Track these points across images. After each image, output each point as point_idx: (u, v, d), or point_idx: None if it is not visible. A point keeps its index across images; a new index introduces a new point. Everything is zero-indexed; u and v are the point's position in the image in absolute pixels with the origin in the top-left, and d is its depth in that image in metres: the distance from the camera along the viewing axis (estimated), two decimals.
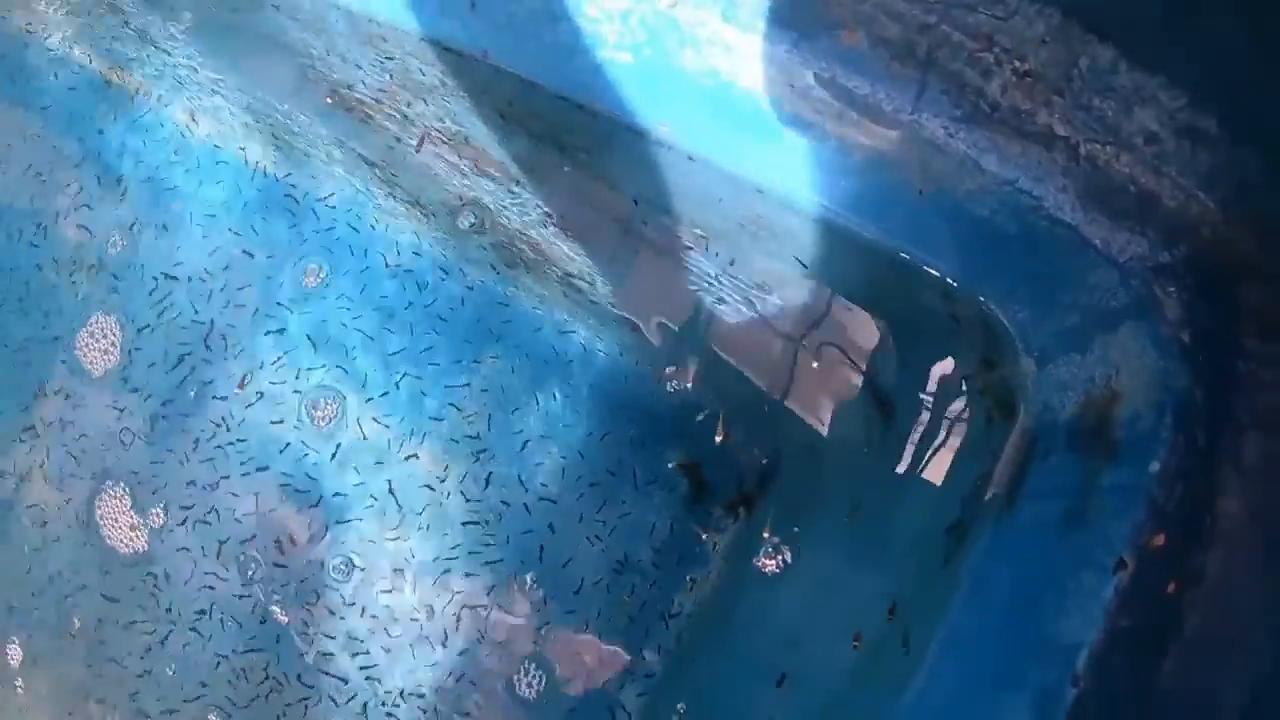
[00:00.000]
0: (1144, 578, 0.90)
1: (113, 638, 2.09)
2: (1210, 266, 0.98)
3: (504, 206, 1.81)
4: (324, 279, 2.02)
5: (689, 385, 1.88)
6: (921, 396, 1.49)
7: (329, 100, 1.83)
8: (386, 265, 2.00)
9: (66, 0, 2.13)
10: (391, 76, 1.60)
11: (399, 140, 1.82)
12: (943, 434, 1.43)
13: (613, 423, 1.93)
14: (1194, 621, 0.88)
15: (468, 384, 1.97)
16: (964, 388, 1.36)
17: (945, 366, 1.40)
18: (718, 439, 1.71)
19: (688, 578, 1.91)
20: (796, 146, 1.18)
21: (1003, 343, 1.20)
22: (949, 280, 1.19)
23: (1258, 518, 0.90)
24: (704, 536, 1.90)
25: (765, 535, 1.80)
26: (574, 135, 1.44)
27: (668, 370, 1.89)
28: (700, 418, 1.88)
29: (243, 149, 2.08)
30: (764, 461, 1.85)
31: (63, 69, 2.22)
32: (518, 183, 1.70)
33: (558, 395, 1.94)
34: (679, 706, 1.83)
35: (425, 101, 1.63)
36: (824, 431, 1.75)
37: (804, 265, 1.43)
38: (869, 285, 1.41)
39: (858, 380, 1.68)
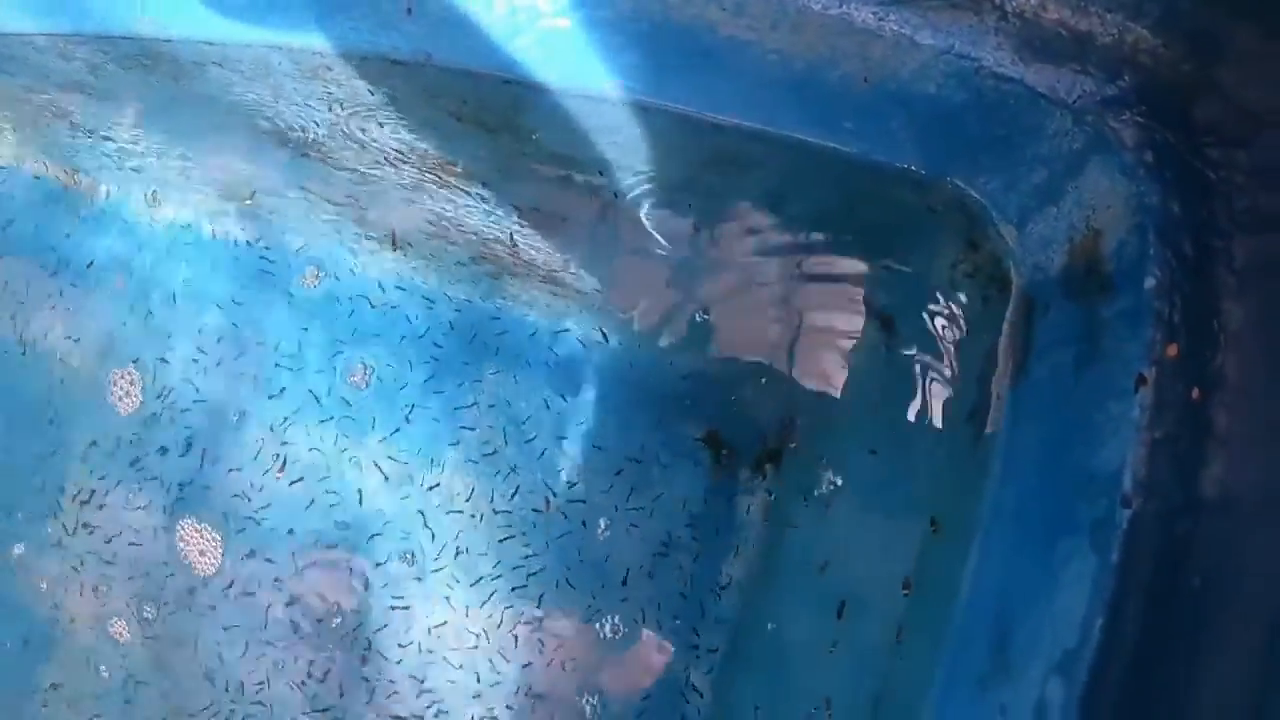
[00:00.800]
0: (1166, 389, 0.91)
1: None
2: (1158, 89, 0.99)
3: (475, 215, 1.83)
4: (315, 332, 2.03)
5: (693, 357, 1.89)
6: (917, 299, 1.50)
7: (286, 149, 1.84)
8: (373, 306, 2.01)
9: (8, 117, 2.14)
10: (342, 106, 1.62)
11: (362, 172, 1.83)
12: (945, 327, 1.44)
13: (625, 410, 1.94)
14: (1223, 422, 0.89)
15: (475, 403, 1.97)
16: (955, 275, 1.37)
17: (933, 261, 1.42)
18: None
19: (731, 545, 1.91)
20: (740, 70, 1.19)
21: (981, 219, 1.21)
22: (916, 170, 1.21)
23: (1263, 315, 0.91)
24: (737, 501, 1.90)
25: (800, 481, 1.80)
26: (528, 116, 1.45)
27: (667, 346, 1.90)
28: (709, 386, 1.89)
29: (211, 221, 2.10)
30: (782, 413, 1.85)
31: (17, 184, 2.24)
32: (484, 184, 1.72)
33: (565, 395, 1.95)
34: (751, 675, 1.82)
35: (379, 124, 1.65)
36: (833, 367, 1.76)
37: (776, 195, 1.44)
38: (843, 200, 1.42)
39: (852, 306, 1.69)
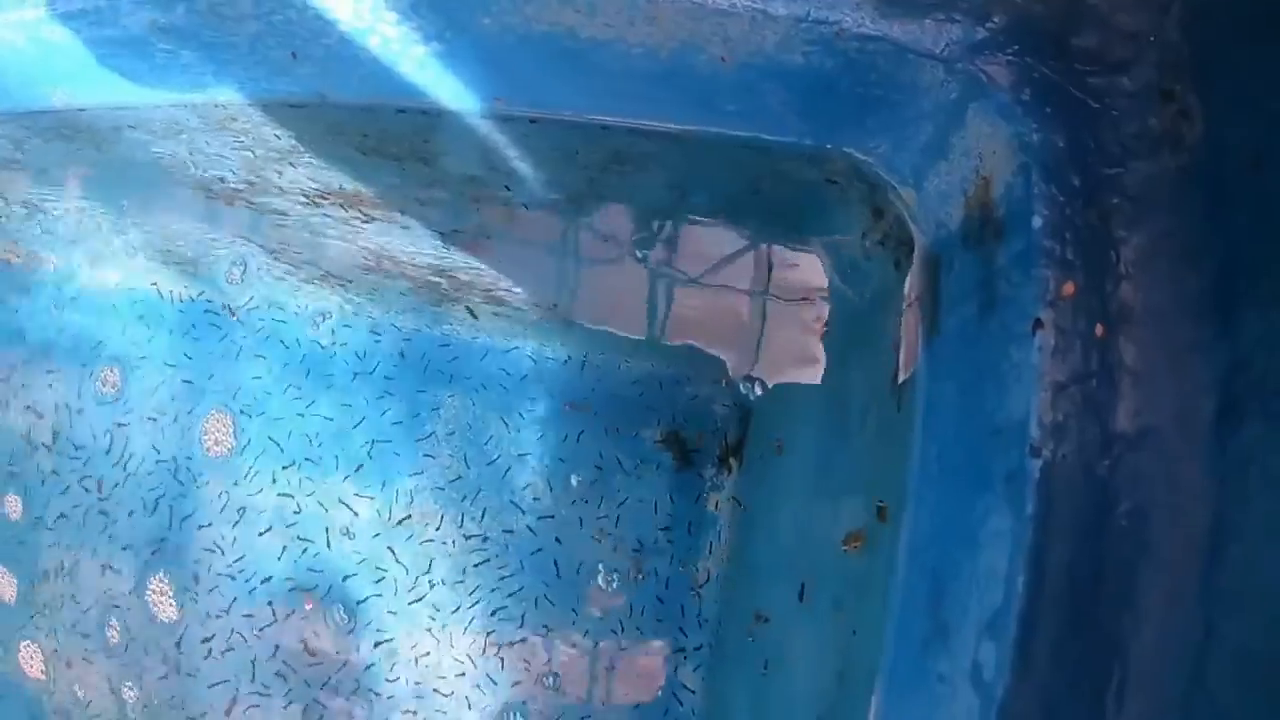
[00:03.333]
0: (1067, 329, 0.90)
1: None
2: (1030, 25, 0.99)
3: (403, 246, 1.83)
4: (268, 379, 2.03)
5: (641, 360, 1.89)
6: (838, 275, 1.50)
7: (212, 201, 1.84)
8: (322, 346, 2.01)
9: None
10: (254, 154, 1.62)
11: (288, 215, 1.84)
12: (864, 299, 1.44)
13: (582, 420, 1.94)
14: (1132, 354, 0.88)
15: (433, 432, 1.97)
16: (867, 245, 1.37)
17: (844, 235, 1.42)
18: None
19: (704, 543, 1.91)
20: (610, 68, 1.20)
21: (879, 184, 1.22)
22: (807, 143, 1.21)
23: (1162, 238, 0.91)
24: (705, 498, 1.90)
25: (758, 470, 1.80)
26: (429, 143, 1.46)
27: (614, 352, 1.90)
28: (663, 388, 1.89)
29: (153, 282, 2.10)
30: (735, 408, 1.85)
31: None
32: (403, 213, 1.72)
33: (523, 413, 1.94)
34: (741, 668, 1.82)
35: (292, 165, 1.65)
36: (774, 354, 1.76)
37: (679, 189, 1.44)
38: (745, 184, 1.43)
39: (782, 292, 1.69)
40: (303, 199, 1.75)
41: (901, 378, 1.17)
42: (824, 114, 1.16)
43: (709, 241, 1.66)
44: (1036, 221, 0.92)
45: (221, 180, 1.74)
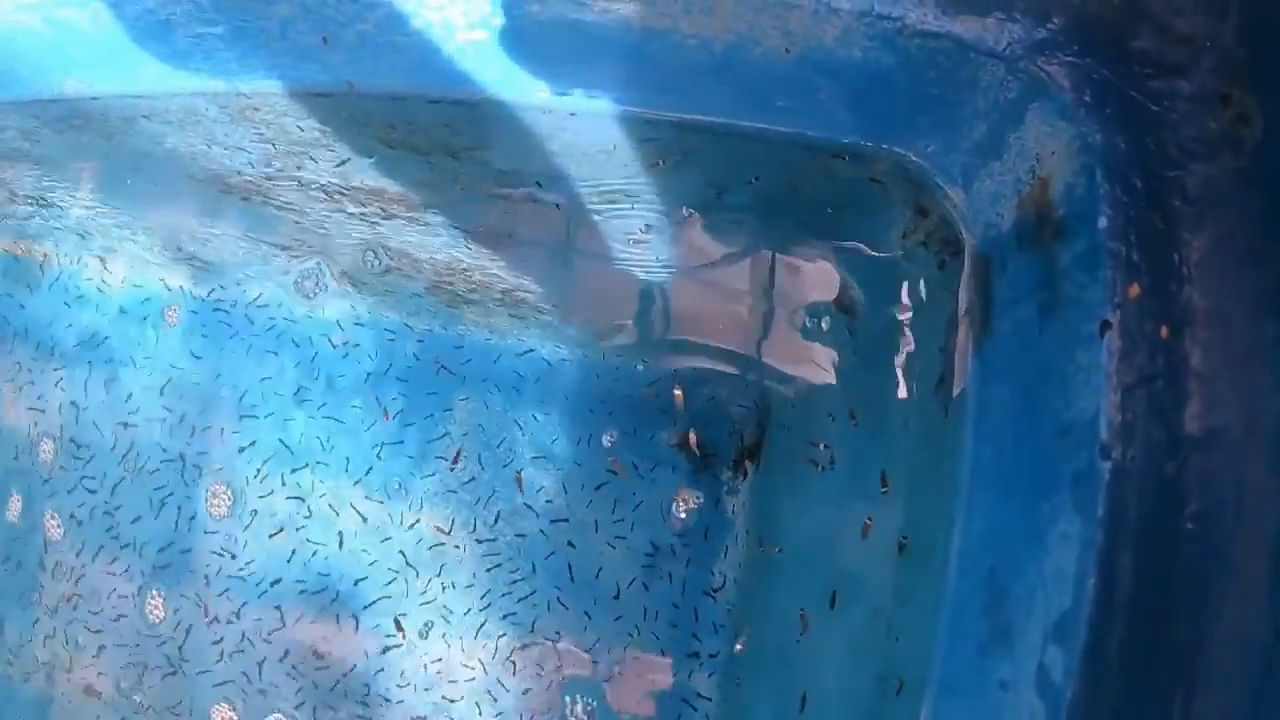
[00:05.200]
0: (1133, 330, 0.89)
1: None
2: (1090, 26, 0.98)
3: (422, 242, 1.81)
4: (279, 380, 2.00)
5: (658, 362, 1.88)
6: (874, 276, 1.49)
7: (227, 197, 1.82)
8: (334, 346, 1.99)
9: None
10: (274, 146, 1.60)
11: (304, 211, 1.82)
12: (905, 301, 1.43)
13: (597, 423, 1.92)
14: (1198, 356, 0.88)
15: (446, 433, 1.96)
16: (908, 246, 1.36)
17: (884, 234, 1.41)
18: (678, 401, 1.69)
19: (720, 547, 1.89)
20: (661, 60, 1.18)
21: (927, 184, 1.20)
22: (853, 141, 1.20)
23: (1225, 241, 0.90)
24: (721, 502, 1.89)
25: (781, 474, 1.79)
26: (460, 136, 1.44)
27: (632, 355, 1.89)
28: (678, 389, 1.88)
29: (162, 279, 2.08)
30: (754, 410, 1.84)
31: None
32: (425, 209, 1.71)
33: (537, 415, 1.93)
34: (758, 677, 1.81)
35: (313, 160, 1.63)
36: (799, 356, 1.75)
37: (718, 187, 1.43)
38: (785, 182, 1.41)
39: (812, 293, 1.68)
40: (321, 194, 1.73)
41: (956, 390, 1.16)
42: (876, 111, 1.15)
43: (743, 243, 1.65)
44: (1102, 222, 0.91)
45: (238, 173, 1.72)
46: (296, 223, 1.84)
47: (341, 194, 1.73)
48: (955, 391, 1.15)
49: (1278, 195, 0.89)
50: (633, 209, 1.55)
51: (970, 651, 1.00)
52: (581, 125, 1.32)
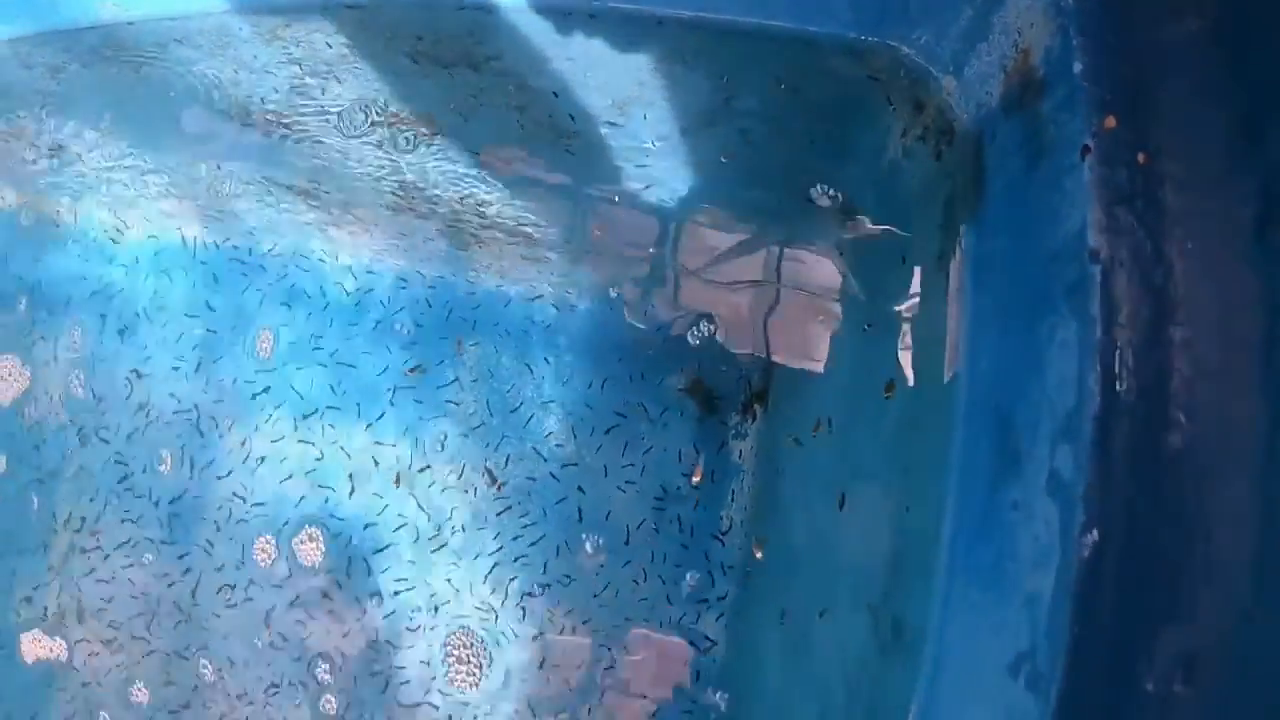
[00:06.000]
0: (1113, 154, 0.93)
1: None
2: None
3: (439, 173, 1.84)
4: (292, 327, 2.03)
5: (668, 307, 1.90)
6: (873, 176, 1.52)
7: (247, 129, 1.85)
8: (347, 293, 2.02)
9: None
10: (301, 67, 1.64)
11: (324, 143, 1.84)
12: (904, 194, 1.46)
13: (607, 368, 1.95)
14: (1174, 175, 0.92)
15: (456, 379, 1.98)
16: (907, 144, 1.39)
17: (885, 139, 1.44)
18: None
19: (727, 490, 1.91)
20: None
21: (922, 76, 1.25)
22: (853, 35, 1.23)
23: (1189, 87, 0.94)
24: (729, 446, 1.90)
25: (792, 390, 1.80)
26: (482, 45, 1.47)
27: (640, 297, 1.91)
28: (687, 333, 1.90)
29: (177, 230, 2.10)
30: (762, 355, 1.86)
31: None
32: (443, 131, 1.74)
33: (547, 359, 1.95)
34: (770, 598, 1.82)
35: (338, 80, 1.67)
36: (805, 273, 1.78)
37: (726, 91, 1.46)
38: (789, 85, 1.45)
39: (811, 202, 1.71)
40: (342, 121, 1.76)
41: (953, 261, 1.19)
42: (871, 2, 1.19)
43: (751, 155, 1.68)
44: (1077, 67, 0.96)
45: (261, 102, 1.75)
46: (315, 159, 1.86)
47: (363, 118, 1.76)
48: (955, 258, 1.17)
49: (1239, 49, 0.93)
50: (645, 118, 1.58)
51: (982, 488, 1.02)
52: (597, 28, 1.36)
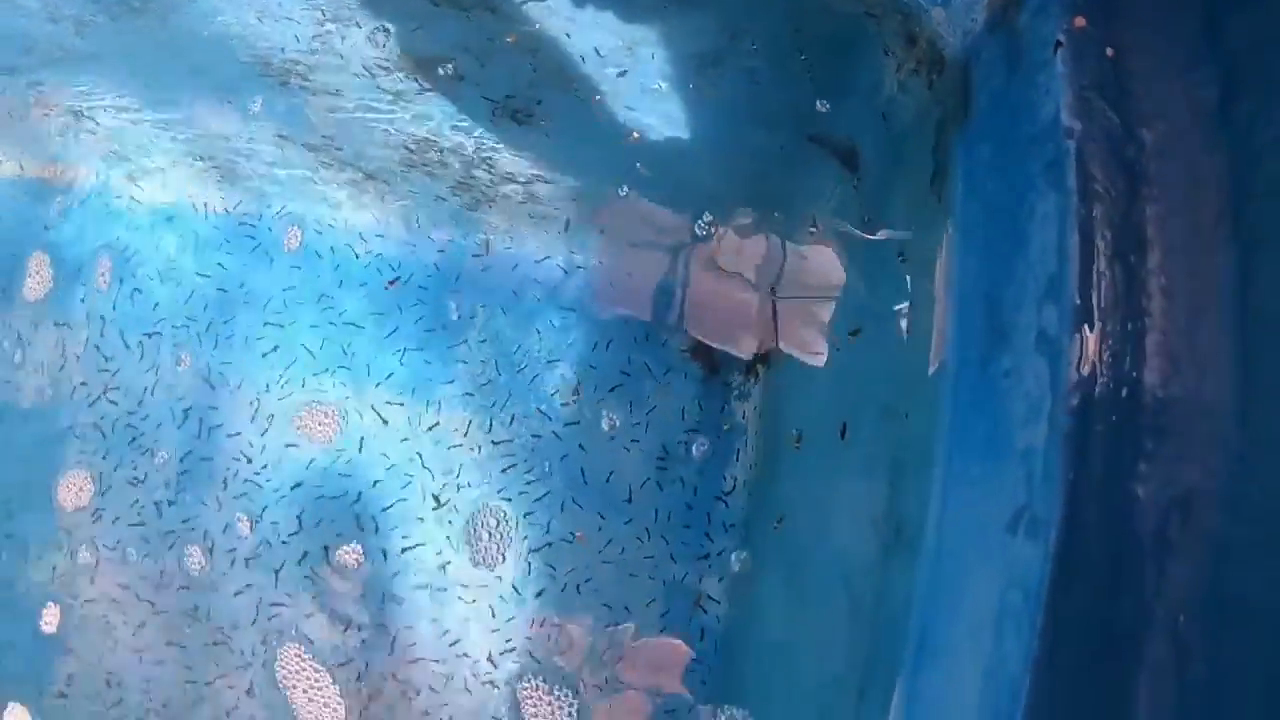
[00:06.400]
0: (1082, 49, 1.00)
1: (199, 700, 2.07)
2: None
3: (453, 123, 1.87)
4: (302, 289, 2.06)
5: (673, 265, 1.94)
6: (871, 113, 1.56)
7: (266, 80, 1.88)
8: (357, 256, 2.05)
9: None
10: (324, 13, 1.68)
11: (340, 93, 1.88)
12: (900, 127, 1.50)
13: (611, 328, 1.97)
14: (1140, 68, 0.99)
15: (465, 340, 2.01)
16: (902, 78, 1.44)
17: (880, 76, 1.49)
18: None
19: (731, 449, 1.94)
20: None
21: (913, 10, 1.29)
22: None
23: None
24: (731, 406, 1.93)
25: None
26: None
27: (644, 252, 1.94)
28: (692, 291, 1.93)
29: (189, 195, 2.14)
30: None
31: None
32: (462, 78, 1.77)
33: (554, 320, 1.98)
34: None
35: (358, 26, 1.70)
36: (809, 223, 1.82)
37: (732, 31, 1.50)
38: (791, 25, 1.49)
39: (814, 150, 1.75)
40: (360, 70, 1.79)
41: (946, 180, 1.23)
42: None
43: (758, 94, 1.71)
44: None
45: (281, 51, 1.79)
46: (331, 114, 1.90)
47: (381, 67, 1.79)
48: (949, 175, 1.22)
49: None
50: (653, 58, 1.62)
51: (974, 368, 1.06)
52: None
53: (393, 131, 1.89)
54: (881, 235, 1.60)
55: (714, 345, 1.90)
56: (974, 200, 1.15)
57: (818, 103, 1.61)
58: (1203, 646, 0.82)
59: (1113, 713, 0.85)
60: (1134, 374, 0.89)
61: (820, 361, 1.81)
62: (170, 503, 2.09)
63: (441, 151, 1.89)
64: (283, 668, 2.03)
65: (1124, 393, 0.89)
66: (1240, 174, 0.92)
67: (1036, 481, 0.92)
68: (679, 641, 1.90)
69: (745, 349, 1.89)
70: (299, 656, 2.02)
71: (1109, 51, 0.98)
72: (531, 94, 1.73)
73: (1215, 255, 0.91)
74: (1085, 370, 0.89)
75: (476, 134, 1.86)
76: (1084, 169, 0.93)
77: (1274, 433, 0.84)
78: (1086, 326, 0.90)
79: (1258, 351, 0.87)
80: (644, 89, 1.69)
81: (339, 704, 2.01)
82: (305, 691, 2.01)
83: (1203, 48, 0.96)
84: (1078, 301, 0.90)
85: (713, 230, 1.89)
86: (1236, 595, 0.82)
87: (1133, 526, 0.85)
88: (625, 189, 1.90)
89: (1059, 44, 0.99)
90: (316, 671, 2.01)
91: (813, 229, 1.79)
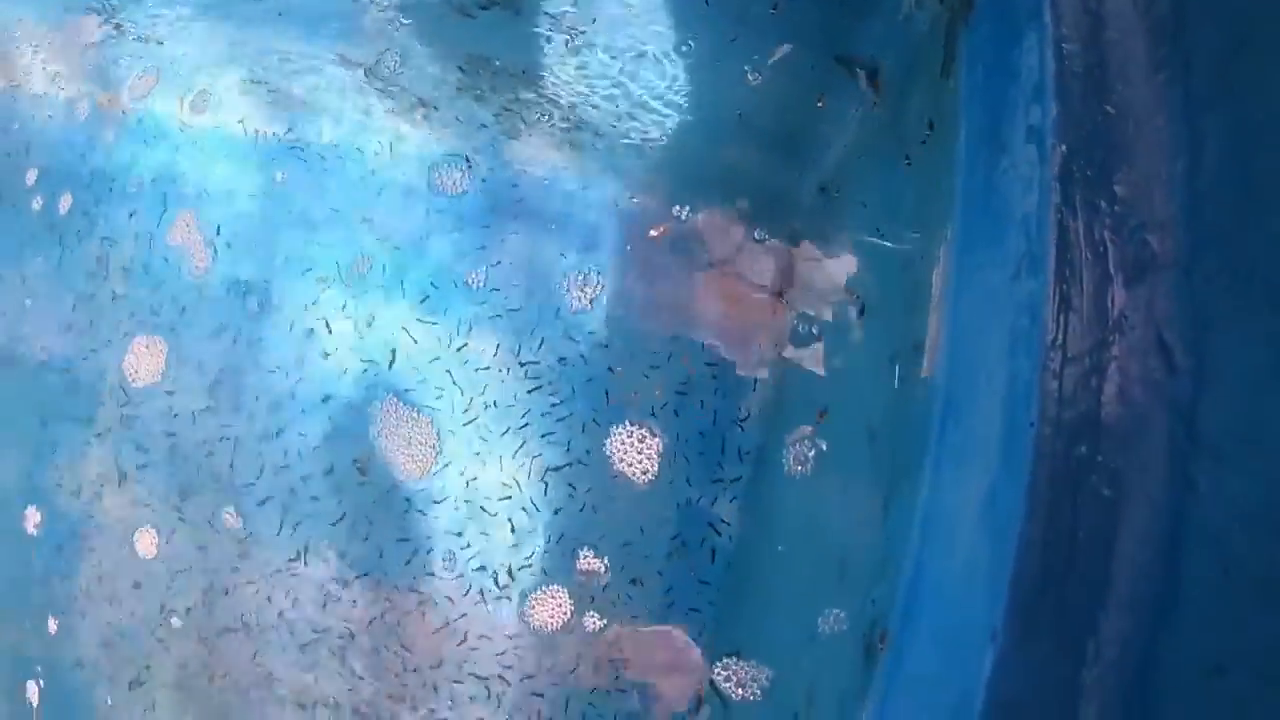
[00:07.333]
0: None
1: (221, 609, 2.13)
2: None
3: (509, 37, 1.98)
4: (345, 210, 2.15)
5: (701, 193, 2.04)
6: (891, 32, 1.70)
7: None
8: (399, 180, 2.15)
9: (43, 46, 2.30)
10: None
11: (401, 9, 1.99)
12: (916, 39, 1.65)
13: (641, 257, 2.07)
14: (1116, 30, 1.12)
15: (498, 262, 2.09)
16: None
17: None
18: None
19: (751, 379, 2.02)
20: None
21: None
22: None
23: None
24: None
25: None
26: None
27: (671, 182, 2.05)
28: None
29: (241, 121, 2.24)
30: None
31: (53, 106, 2.38)
32: None
33: (586, 251, 2.07)
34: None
35: None
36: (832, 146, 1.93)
37: None
38: None
39: (840, 72, 1.87)
40: None
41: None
42: None
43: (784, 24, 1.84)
44: None
45: None
46: (389, 22, 2.00)
47: None
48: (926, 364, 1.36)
49: None
50: None
51: (981, 179, 1.22)
52: None
53: (449, 49, 2.00)
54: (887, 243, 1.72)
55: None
56: (977, 64, 1.32)
57: (847, 19, 1.73)
58: (1182, 343, 0.94)
59: (1117, 405, 0.95)
60: (1103, 148, 1.04)
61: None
62: (205, 409, 2.16)
63: (495, 71, 2.00)
64: (304, 578, 2.08)
65: (1096, 158, 1.04)
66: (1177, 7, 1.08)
67: (1033, 232, 1.06)
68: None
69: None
70: (319, 566, 2.07)
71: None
72: (582, 14, 1.84)
73: (1159, 66, 1.05)
74: (1064, 147, 1.02)
75: (529, 55, 1.97)
76: (1057, 9, 1.08)
77: (1219, 177, 0.98)
78: (1062, 112, 1.03)
79: (1201, 126, 1.01)
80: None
81: (355, 613, 2.06)
82: (323, 601, 2.06)
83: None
84: (1055, 97, 1.04)
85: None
86: (1204, 305, 0.94)
87: (1113, 254, 0.98)
88: (660, 116, 1.99)
89: None
90: (336, 581, 2.06)
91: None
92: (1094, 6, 1.14)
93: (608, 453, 2.01)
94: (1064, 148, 1.09)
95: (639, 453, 2.01)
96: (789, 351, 1.94)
